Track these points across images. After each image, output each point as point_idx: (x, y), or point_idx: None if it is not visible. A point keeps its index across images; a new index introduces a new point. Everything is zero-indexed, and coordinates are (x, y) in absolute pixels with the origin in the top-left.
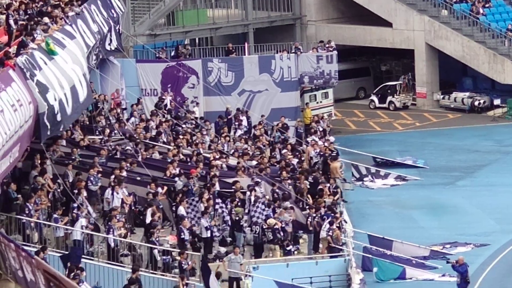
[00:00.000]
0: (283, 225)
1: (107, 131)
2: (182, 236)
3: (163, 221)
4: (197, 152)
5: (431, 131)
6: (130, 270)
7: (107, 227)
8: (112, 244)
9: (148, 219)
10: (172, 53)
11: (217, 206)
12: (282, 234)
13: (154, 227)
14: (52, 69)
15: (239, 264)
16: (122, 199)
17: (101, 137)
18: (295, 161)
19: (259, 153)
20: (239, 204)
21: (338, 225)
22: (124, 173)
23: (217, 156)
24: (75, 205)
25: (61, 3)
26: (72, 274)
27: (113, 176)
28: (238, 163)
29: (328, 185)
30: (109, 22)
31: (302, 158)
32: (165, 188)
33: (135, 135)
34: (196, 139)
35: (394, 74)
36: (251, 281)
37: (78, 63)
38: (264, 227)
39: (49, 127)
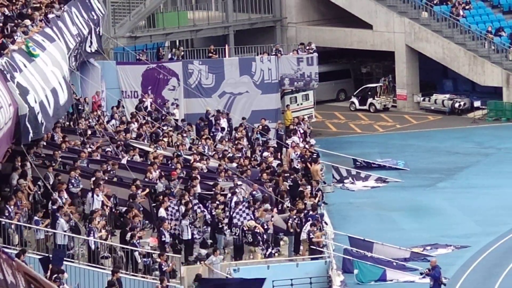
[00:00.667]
0: (265, 227)
1: (89, 133)
2: (163, 239)
3: (145, 221)
4: (177, 154)
5: (411, 133)
6: (110, 272)
7: (87, 229)
8: (93, 246)
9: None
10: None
11: (195, 207)
12: (263, 237)
13: (134, 229)
14: (32, 72)
15: (219, 265)
16: (102, 201)
17: (82, 138)
18: (276, 163)
19: (239, 155)
20: (219, 206)
21: (319, 227)
22: (105, 176)
23: (197, 158)
24: (55, 207)
25: (41, 5)
26: (54, 276)
27: (93, 178)
28: (219, 165)
29: (309, 187)
30: (89, 24)
31: (277, 160)
32: (147, 190)
33: (115, 137)
34: (176, 141)
35: (374, 76)
36: None
37: (58, 66)
38: (245, 229)
39: (30, 129)
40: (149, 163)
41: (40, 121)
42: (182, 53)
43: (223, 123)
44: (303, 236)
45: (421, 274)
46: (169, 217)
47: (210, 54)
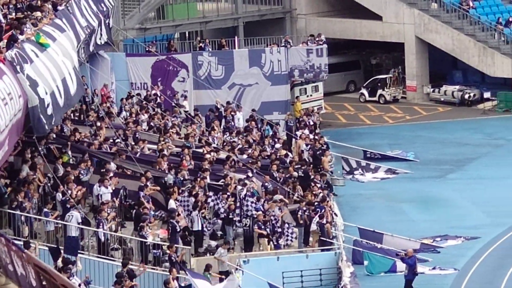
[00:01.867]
0: (274, 219)
1: (98, 125)
2: (175, 229)
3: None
4: (186, 145)
5: (421, 124)
6: (121, 264)
7: (97, 221)
8: (102, 238)
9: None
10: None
11: (208, 200)
12: (271, 228)
13: (144, 221)
14: (44, 61)
15: (228, 257)
16: (111, 193)
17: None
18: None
19: (248, 146)
20: (229, 197)
21: (328, 218)
22: (114, 167)
23: (208, 150)
24: (64, 198)
25: None
26: (65, 267)
27: (103, 170)
28: (229, 156)
29: (319, 178)
30: (99, 16)
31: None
32: (157, 187)
33: (125, 129)
34: (186, 132)
35: (384, 67)
36: (241, 275)
37: (68, 57)
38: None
39: (44, 120)
40: (157, 155)
41: (49, 112)
42: (200, 44)
43: (239, 116)
44: (313, 227)
45: (397, 255)
46: (179, 209)
47: (222, 46)
